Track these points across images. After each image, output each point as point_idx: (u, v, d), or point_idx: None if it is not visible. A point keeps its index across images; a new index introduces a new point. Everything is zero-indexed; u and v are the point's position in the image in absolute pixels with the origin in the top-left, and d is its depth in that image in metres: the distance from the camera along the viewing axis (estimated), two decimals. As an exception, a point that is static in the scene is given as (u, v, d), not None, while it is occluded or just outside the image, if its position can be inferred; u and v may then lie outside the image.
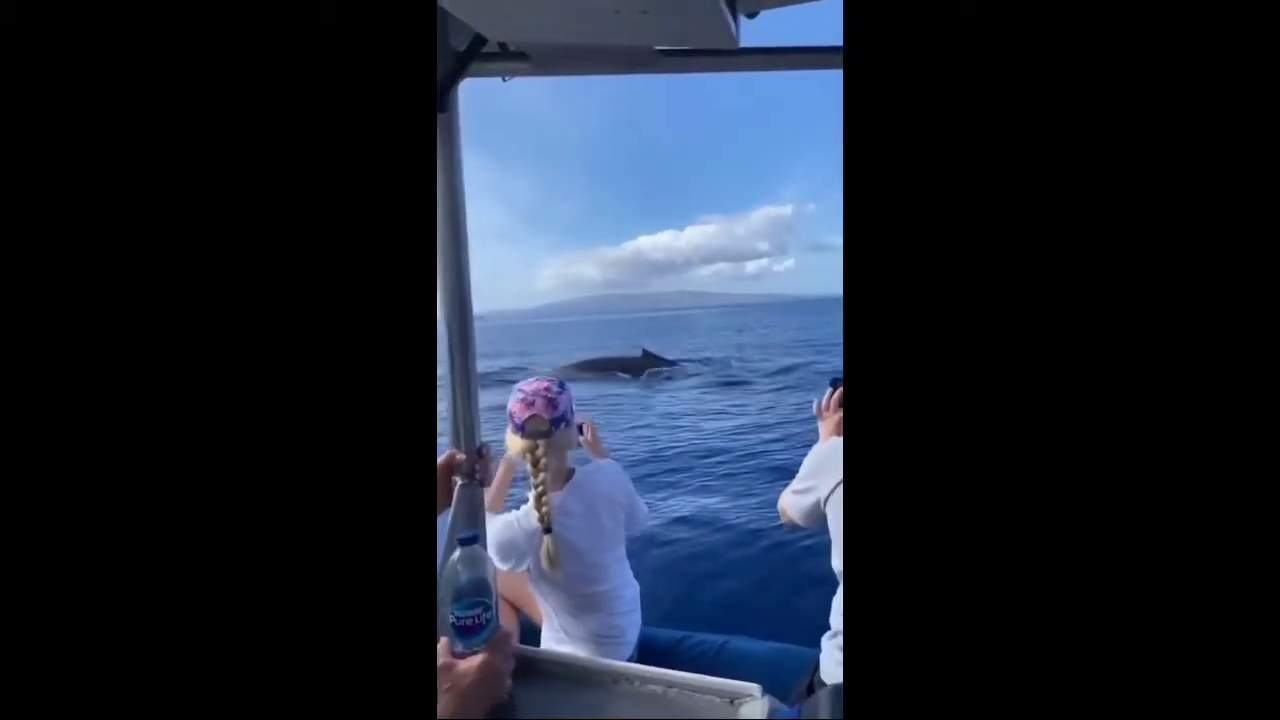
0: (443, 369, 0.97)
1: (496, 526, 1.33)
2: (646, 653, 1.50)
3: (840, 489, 1.20)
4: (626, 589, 1.47)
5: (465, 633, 0.74)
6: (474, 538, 0.78)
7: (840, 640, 1.16)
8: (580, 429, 1.59)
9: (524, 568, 1.35)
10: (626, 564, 1.50)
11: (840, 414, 1.46)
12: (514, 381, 1.49)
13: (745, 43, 0.73)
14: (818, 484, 1.25)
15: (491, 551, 1.31)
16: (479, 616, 0.75)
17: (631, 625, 1.47)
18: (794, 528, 1.36)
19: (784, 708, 0.74)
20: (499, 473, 1.45)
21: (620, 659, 1.42)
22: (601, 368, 13.72)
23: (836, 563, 1.22)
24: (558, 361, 16.28)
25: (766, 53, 0.79)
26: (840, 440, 1.30)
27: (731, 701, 0.73)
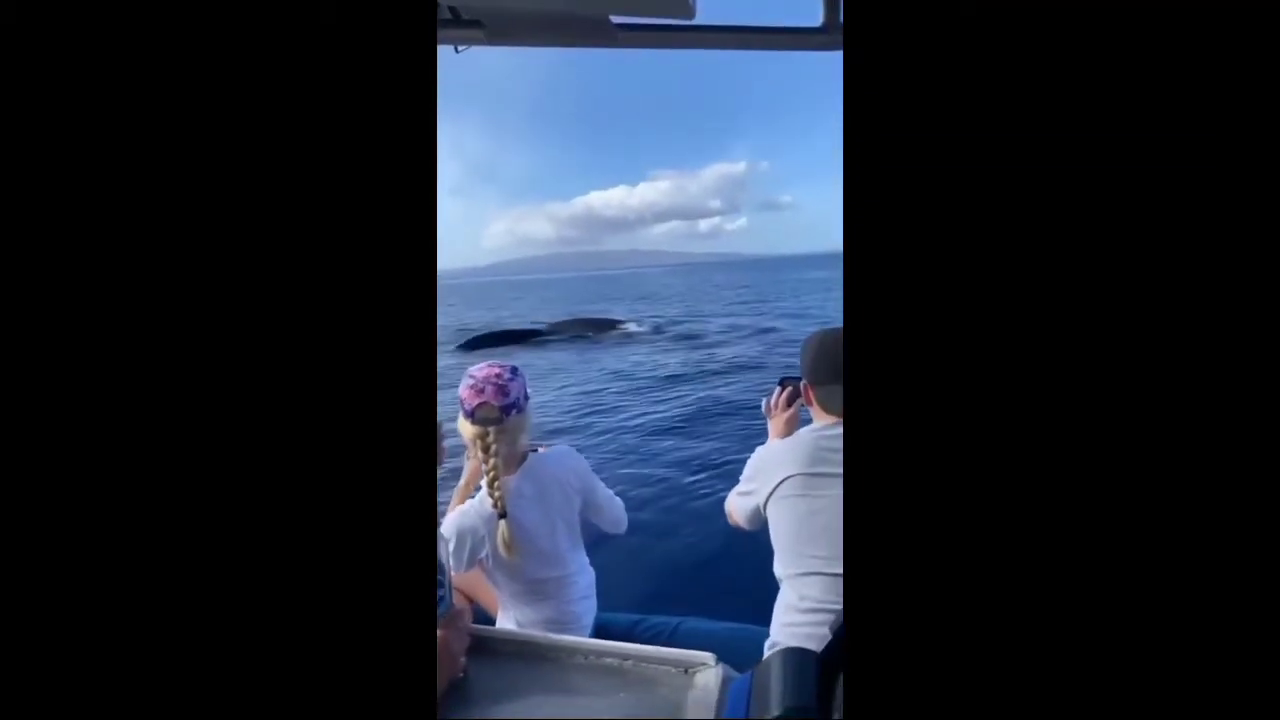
0: None
1: (452, 517, 1.31)
2: (602, 637, 1.50)
3: (779, 490, 1.19)
4: (581, 575, 1.47)
5: (417, 611, 0.73)
6: (426, 515, 0.77)
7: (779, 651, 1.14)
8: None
9: (482, 555, 1.33)
10: (582, 550, 1.50)
11: (788, 413, 1.47)
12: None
13: (701, 19, 0.73)
14: (759, 487, 1.24)
15: (450, 542, 1.29)
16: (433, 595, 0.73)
17: (586, 611, 1.47)
18: (740, 530, 1.37)
19: (737, 675, 0.75)
20: (460, 486, 1.43)
21: (575, 644, 1.42)
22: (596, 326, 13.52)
23: (777, 567, 1.21)
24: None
25: (723, 31, 0.80)
26: (782, 442, 1.29)
27: (686, 671, 0.74)
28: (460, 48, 0.81)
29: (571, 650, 0.79)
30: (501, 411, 1.30)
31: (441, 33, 0.79)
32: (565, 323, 14.22)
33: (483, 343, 12.76)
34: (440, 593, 0.74)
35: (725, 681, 0.71)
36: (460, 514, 1.32)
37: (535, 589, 1.40)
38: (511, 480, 1.35)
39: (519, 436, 1.36)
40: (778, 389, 1.50)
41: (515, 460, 1.38)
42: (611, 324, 13.90)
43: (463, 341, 12.73)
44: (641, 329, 13.40)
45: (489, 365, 1.36)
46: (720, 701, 0.69)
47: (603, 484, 1.50)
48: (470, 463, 1.42)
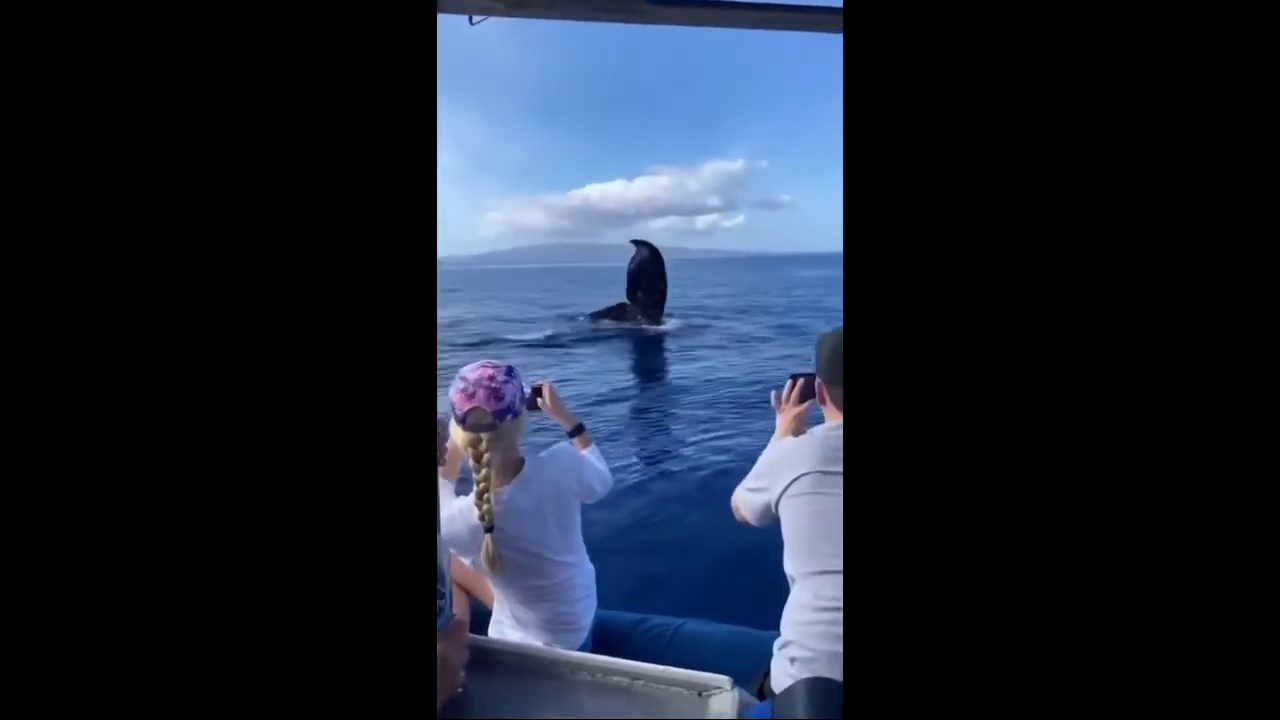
0: None
1: (442, 519, 1.25)
2: (602, 636, 1.46)
3: (792, 488, 1.16)
4: (580, 576, 1.41)
5: (416, 622, 0.69)
6: (428, 520, 0.73)
7: (790, 651, 1.10)
8: (538, 392, 1.49)
9: (469, 561, 1.28)
10: (582, 550, 1.45)
11: (798, 409, 1.43)
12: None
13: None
14: (771, 484, 1.20)
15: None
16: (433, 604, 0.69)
17: (586, 610, 1.43)
18: (746, 525, 1.33)
19: (754, 701, 0.71)
20: (450, 445, 1.37)
21: (574, 644, 1.38)
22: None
23: (789, 566, 1.17)
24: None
25: (765, 9, 0.74)
26: (796, 440, 1.25)
27: (700, 694, 0.70)
28: (476, 19, 0.75)
29: (576, 666, 0.75)
30: (495, 417, 1.21)
31: (458, 1, 0.73)
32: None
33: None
34: (440, 603, 0.70)
35: (742, 708, 0.67)
36: (448, 520, 1.25)
37: (530, 594, 1.35)
38: (505, 490, 1.27)
39: (515, 442, 1.28)
40: (788, 383, 1.46)
41: (511, 468, 1.29)
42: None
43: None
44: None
45: (482, 365, 1.26)
46: (737, 730, 0.65)
47: (591, 463, 1.42)
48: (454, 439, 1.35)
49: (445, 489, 1.31)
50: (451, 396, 1.23)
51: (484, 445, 1.21)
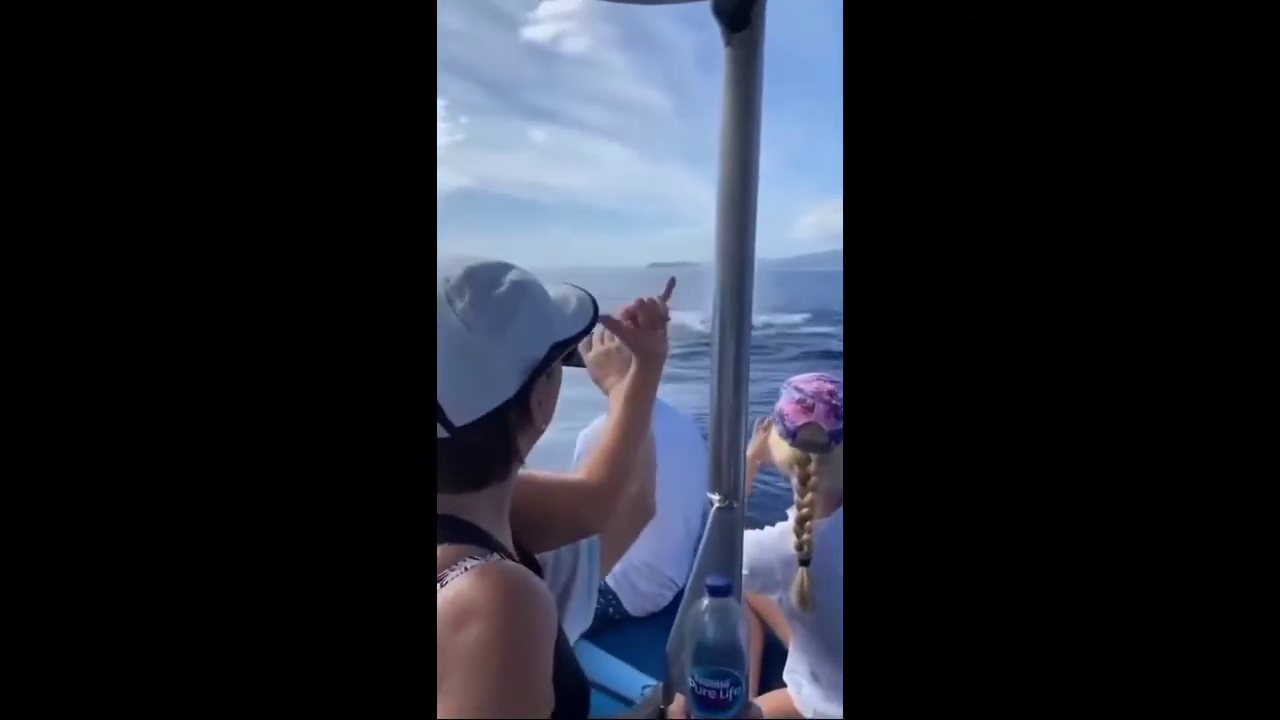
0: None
1: (749, 542, 1.17)
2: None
3: None
4: None
5: (707, 705, 0.61)
6: (728, 588, 0.64)
7: None
8: None
9: (775, 597, 1.18)
10: None
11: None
12: None
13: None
14: None
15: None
16: (726, 691, 0.60)
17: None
18: None
19: None
20: (751, 453, 1.29)
21: (879, 723, 1.19)
22: None
23: None
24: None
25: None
26: None
27: None
28: None
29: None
30: (830, 438, 1.08)
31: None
32: None
33: None
34: (736, 691, 0.61)
35: None
36: (757, 545, 1.15)
37: (836, 652, 1.19)
38: (824, 523, 1.13)
39: (841, 470, 1.13)
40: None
41: (834, 500, 1.14)
42: None
43: None
44: None
45: (819, 378, 1.13)
46: None
47: None
48: (759, 435, 1.27)
49: None
50: (782, 407, 1.13)
51: (812, 467, 1.09)
